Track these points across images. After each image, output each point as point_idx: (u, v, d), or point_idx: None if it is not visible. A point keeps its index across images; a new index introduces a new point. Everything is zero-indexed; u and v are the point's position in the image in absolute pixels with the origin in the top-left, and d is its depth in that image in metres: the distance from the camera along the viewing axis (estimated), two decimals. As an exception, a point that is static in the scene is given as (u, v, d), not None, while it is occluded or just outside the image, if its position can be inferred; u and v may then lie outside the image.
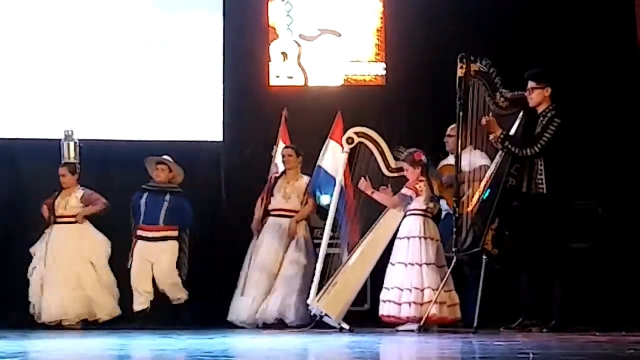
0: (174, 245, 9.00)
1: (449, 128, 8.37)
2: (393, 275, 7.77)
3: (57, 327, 8.73)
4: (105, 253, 9.00)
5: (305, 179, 8.82)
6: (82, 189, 9.11)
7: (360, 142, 8.08)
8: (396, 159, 8.05)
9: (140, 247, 8.96)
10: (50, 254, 8.87)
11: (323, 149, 8.51)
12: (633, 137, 9.57)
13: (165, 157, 9.12)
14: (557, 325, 7.39)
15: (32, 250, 9.00)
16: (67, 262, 8.86)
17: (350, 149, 8.09)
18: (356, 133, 8.10)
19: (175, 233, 9.03)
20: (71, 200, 9.04)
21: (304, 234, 8.78)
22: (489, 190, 7.65)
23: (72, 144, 9.15)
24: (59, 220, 8.99)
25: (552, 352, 5.48)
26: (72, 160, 9.14)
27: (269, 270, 8.65)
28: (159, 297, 8.97)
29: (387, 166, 8.03)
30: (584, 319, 7.76)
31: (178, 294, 8.94)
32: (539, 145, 7.47)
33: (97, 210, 9.05)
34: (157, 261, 8.95)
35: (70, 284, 8.82)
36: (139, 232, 9.00)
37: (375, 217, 8.08)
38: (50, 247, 8.89)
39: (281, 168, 8.96)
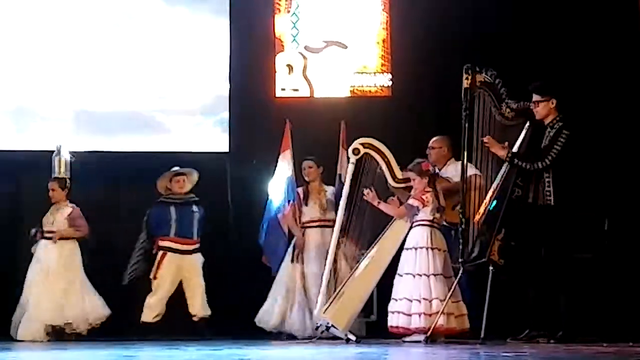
0: (200, 257, 9.07)
1: (432, 140, 8.39)
2: (401, 286, 7.76)
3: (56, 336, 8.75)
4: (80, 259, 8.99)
5: (331, 189, 8.84)
6: (72, 206, 9.09)
7: (366, 153, 8.09)
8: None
9: (172, 259, 8.94)
10: (37, 268, 8.88)
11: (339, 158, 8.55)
12: (638, 148, 9.56)
13: (177, 168, 9.11)
14: (564, 336, 7.38)
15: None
16: (55, 276, 8.86)
17: (357, 160, 8.10)
18: (362, 144, 8.10)
19: (199, 245, 9.09)
20: (57, 216, 9.04)
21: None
22: (495, 201, 7.65)
23: (62, 159, 9.16)
24: (46, 235, 8.98)
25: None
26: (62, 175, 9.15)
27: (316, 286, 8.51)
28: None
29: (394, 177, 8.02)
30: (591, 330, 7.74)
31: (206, 310, 8.95)
32: (549, 158, 7.48)
33: (75, 236, 9.02)
34: (192, 275, 8.96)
35: (58, 295, 8.82)
36: (170, 245, 8.96)
37: (382, 228, 8.09)
38: (38, 263, 8.90)
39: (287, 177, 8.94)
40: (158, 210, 9.05)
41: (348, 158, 8.15)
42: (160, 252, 8.96)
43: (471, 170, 7.88)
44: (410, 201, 7.90)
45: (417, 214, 7.85)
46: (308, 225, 8.82)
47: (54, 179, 9.12)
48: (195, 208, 9.07)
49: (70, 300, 8.84)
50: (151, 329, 8.82)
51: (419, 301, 7.64)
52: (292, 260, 8.77)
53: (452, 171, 8.09)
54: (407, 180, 7.98)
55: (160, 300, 8.92)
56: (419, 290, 7.67)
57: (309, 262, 8.71)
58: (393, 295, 7.78)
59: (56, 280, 8.86)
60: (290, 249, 8.83)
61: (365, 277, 7.97)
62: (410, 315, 7.63)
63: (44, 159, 9.33)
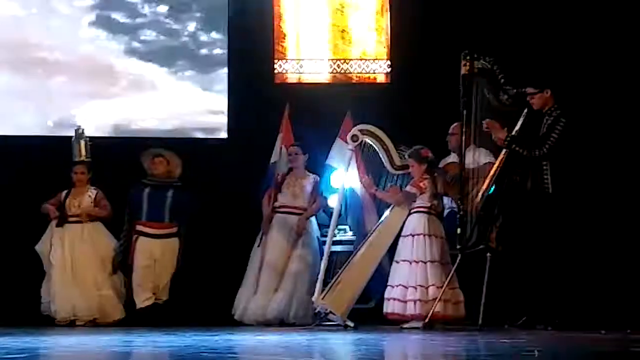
0: (175, 242, 8.97)
1: (452, 127, 8.38)
2: (398, 273, 7.77)
3: (67, 325, 8.70)
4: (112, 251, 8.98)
5: (312, 176, 8.84)
6: (95, 188, 9.08)
7: (365, 140, 8.08)
8: (400, 157, 8.06)
9: (143, 243, 8.89)
10: (64, 253, 8.82)
11: (332, 147, 8.52)
12: (637, 135, 9.55)
13: (161, 149, 9.06)
14: (562, 324, 7.39)
15: (37, 248, 8.97)
16: (82, 261, 8.84)
17: (355, 147, 8.09)
18: (361, 130, 8.10)
19: (176, 230, 9.01)
20: (84, 200, 9.00)
21: (310, 231, 8.79)
22: (493, 187, 7.65)
23: (82, 142, 9.11)
24: (71, 219, 8.93)
25: (557, 350, 5.48)
26: (85, 158, 9.08)
27: (277, 267, 8.65)
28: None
29: (392, 164, 8.02)
30: (589, 317, 7.75)
31: (165, 294, 8.91)
32: (547, 146, 7.48)
33: (101, 215, 9.01)
34: (160, 259, 8.89)
35: (86, 284, 8.80)
36: (141, 228, 8.91)
37: (380, 215, 8.09)
38: (64, 247, 8.85)
39: (281, 165, 8.96)
40: (135, 190, 9.00)
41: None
42: (135, 236, 8.92)
43: (486, 158, 7.87)
44: (408, 188, 7.91)
45: (414, 201, 7.86)
46: (277, 210, 8.83)
47: (81, 163, 9.05)
48: (169, 193, 8.97)
49: (93, 294, 8.79)
50: (141, 314, 8.76)
51: (415, 288, 7.65)
52: (258, 245, 8.81)
53: (470, 157, 8.02)
54: (406, 166, 7.98)
55: (140, 285, 8.80)
56: (415, 277, 7.68)
57: (268, 247, 8.73)
58: (389, 282, 7.79)
59: (81, 267, 8.82)
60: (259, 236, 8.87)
61: (363, 264, 7.98)
62: (405, 302, 7.64)
63: (56, 143, 9.33)
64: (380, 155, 8.03)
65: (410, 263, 7.74)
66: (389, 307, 7.74)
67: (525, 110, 7.69)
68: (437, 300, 7.54)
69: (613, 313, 8.22)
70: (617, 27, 9.66)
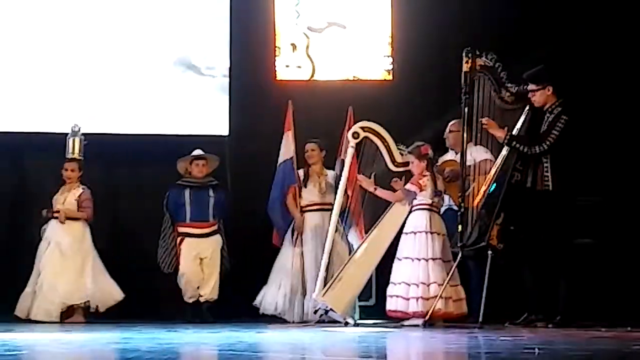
0: (219, 239, 9.01)
1: (450, 124, 8.39)
2: (400, 271, 7.77)
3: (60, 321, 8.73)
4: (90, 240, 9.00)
5: (331, 172, 8.82)
6: (83, 187, 9.08)
7: (366, 137, 8.08)
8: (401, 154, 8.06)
9: (190, 244, 8.91)
10: (50, 249, 8.87)
11: (343, 143, 8.51)
12: (638, 132, 9.54)
13: (199, 151, 9.09)
14: (563, 321, 7.39)
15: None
16: (69, 255, 8.86)
17: (356, 144, 8.09)
18: (362, 127, 8.09)
19: (217, 227, 9.03)
20: (69, 196, 9.01)
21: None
22: (494, 184, 7.65)
23: (77, 140, 9.12)
24: (54, 215, 8.96)
25: (557, 348, 5.48)
26: (77, 156, 9.10)
27: (315, 268, 8.51)
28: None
29: (393, 161, 8.02)
30: (589, 315, 7.76)
31: (213, 294, 8.91)
32: (547, 143, 7.47)
33: (80, 217, 8.99)
34: (208, 256, 8.91)
35: (73, 275, 8.82)
36: (186, 230, 8.92)
37: (381, 212, 8.09)
38: (50, 242, 8.89)
39: (285, 156, 8.92)
40: (174, 193, 9.01)
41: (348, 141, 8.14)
42: (179, 238, 8.94)
43: (484, 155, 7.87)
44: (407, 186, 7.91)
45: (415, 199, 7.86)
46: (307, 209, 8.80)
47: (72, 160, 9.06)
48: (211, 192, 9.03)
49: (85, 281, 8.82)
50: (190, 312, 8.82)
51: (417, 285, 7.65)
52: (294, 245, 8.76)
53: (467, 154, 8.02)
54: (407, 164, 7.98)
55: (188, 284, 8.84)
56: (417, 274, 7.68)
57: (307, 245, 8.70)
58: (392, 279, 7.79)
59: (69, 259, 8.85)
60: (289, 233, 8.82)
61: (364, 261, 7.98)
62: (408, 299, 7.65)
63: (50, 140, 9.30)
64: (382, 152, 8.03)
65: (413, 260, 7.74)
66: (392, 305, 7.74)
67: (527, 108, 7.69)
68: (438, 297, 7.54)
69: (614, 310, 8.23)
70: (618, 24, 9.64)
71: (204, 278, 8.89)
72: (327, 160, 8.92)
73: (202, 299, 8.89)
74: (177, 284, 8.88)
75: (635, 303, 8.40)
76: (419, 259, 7.73)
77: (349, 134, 8.10)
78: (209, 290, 8.87)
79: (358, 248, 8.04)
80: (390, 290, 7.78)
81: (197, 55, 10.01)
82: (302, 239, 8.74)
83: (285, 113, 9.02)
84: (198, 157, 9.05)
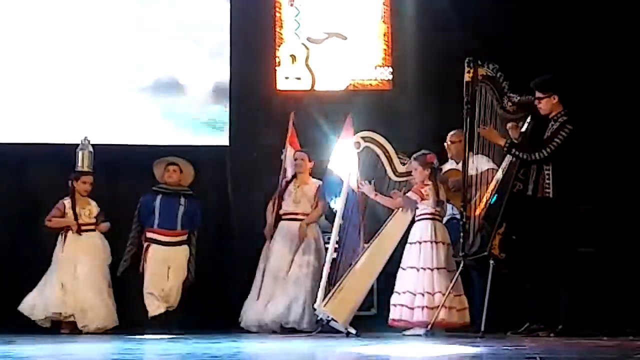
0: (186, 250, 9.00)
1: (450, 134, 8.39)
2: (405, 280, 7.77)
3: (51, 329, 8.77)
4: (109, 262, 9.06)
5: (315, 182, 8.85)
6: (91, 200, 9.12)
7: (367, 147, 8.08)
8: (402, 164, 8.07)
9: (155, 251, 8.90)
10: (73, 260, 8.86)
11: (333, 152, 8.51)
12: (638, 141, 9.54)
13: (175, 158, 9.10)
14: (564, 330, 7.38)
15: (56, 254, 8.97)
16: (92, 269, 8.87)
17: (358, 154, 8.09)
18: (363, 137, 8.10)
19: (186, 237, 9.02)
20: (92, 209, 9.05)
21: (314, 237, 8.79)
22: (496, 195, 7.65)
23: (87, 153, 9.08)
24: (83, 227, 8.96)
25: (559, 357, 5.47)
26: (88, 169, 9.08)
27: (278, 274, 8.67)
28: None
29: (394, 170, 8.03)
30: (591, 324, 7.75)
31: (175, 301, 8.90)
32: (548, 150, 7.46)
33: (107, 229, 9.09)
34: (172, 266, 8.90)
35: (96, 289, 8.82)
36: (153, 236, 8.93)
37: (382, 221, 8.08)
38: (81, 254, 8.89)
39: (290, 172, 8.98)
40: (147, 198, 9.03)
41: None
42: (145, 244, 8.94)
43: (487, 165, 7.86)
44: (409, 194, 7.91)
45: (417, 208, 7.86)
46: (282, 217, 8.87)
47: (88, 173, 9.05)
48: (182, 200, 8.99)
49: (103, 300, 8.85)
50: (154, 322, 8.76)
51: (422, 295, 7.65)
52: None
53: (471, 164, 8.04)
54: (408, 173, 7.99)
55: (153, 293, 8.81)
56: (422, 283, 7.68)
57: (271, 254, 8.76)
58: (396, 288, 7.79)
59: (92, 272, 8.86)
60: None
61: (365, 270, 7.96)
62: (413, 308, 7.64)
63: (50, 151, 9.33)
64: (382, 162, 8.03)
65: (418, 270, 7.75)
66: (396, 314, 7.73)
67: (530, 117, 7.69)
68: (440, 306, 7.54)
69: (616, 319, 8.21)
70: (622, 33, 9.64)
71: (168, 284, 8.85)
72: (323, 169, 8.89)
73: (164, 307, 8.84)
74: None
75: (637, 311, 8.38)
76: (425, 269, 7.73)
77: (351, 144, 8.09)
78: (172, 300, 8.87)
79: (359, 258, 8.03)
80: (395, 299, 7.77)
81: (197, 62, 10.01)
82: (269, 246, 8.82)
83: (286, 124, 9.04)
84: (171, 163, 9.04)
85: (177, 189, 9.03)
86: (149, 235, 8.95)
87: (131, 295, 8.97)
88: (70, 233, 8.94)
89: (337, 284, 7.95)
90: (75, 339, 7.96)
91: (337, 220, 8.09)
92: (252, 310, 8.65)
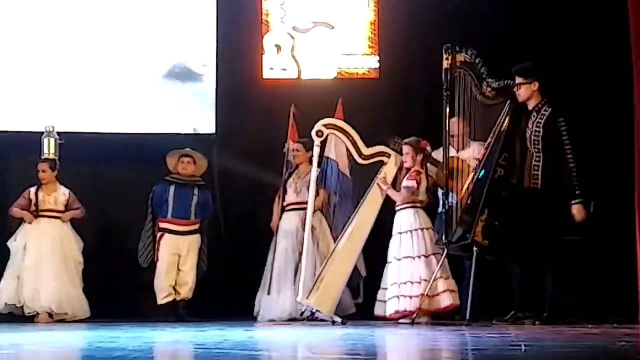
0: (199, 238, 9.05)
1: (451, 122, 8.33)
2: (402, 270, 7.77)
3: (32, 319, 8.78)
4: (80, 253, 9.07)
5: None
6: (63, 187, 9.12)
7: (330, 134, 8.08)
8: (393, 149, 8.07)
9: (169, 240, 8.95)
10: (33, 246, 8.89)
11: (328, 140, 8.50)
12: (623, 131, 9.52)
13: (188, 149, 9.12)
14: (550, 318, 7.39)
15: (10, 244, 9.00)
16: (52, 255, 8.89)
17: (321, 142, 8.08)
18: (325, 125, 8.09)
19: (198, 226, 9.07)
20: (59, 196, 9.06)
21: (318, 225, 8.74)
22: (483, 170, 7.62)
23: (52, 140, 9.13)
24: (43, 214, 8.98)
25: (544, 345, 5.48)
26: (51, 156, 9.13)
27: (286, 266, 8.65)
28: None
29: (360, 154, 8.02)
30: (576, 312, 7.76)
31: (190, 292, 8.95)
32: (569, 156, 7.47)
33: (78, 216, 9.10)
34: (185, 255, 8.96)
35: (56, 277, 8.85)
36: (167, 225, 8.99)
37: (354, 208, 8.11)
38: (34, 240, 8.92)
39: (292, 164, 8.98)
40: (160, 188, 9.09)
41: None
42: (159, 234, 8.98)
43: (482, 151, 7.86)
44: (406, 183, 7.92)
45: (416, 193, 7.88)
46: (286, 208, 8.87)
47: (44, 160, 9.10)
48: (196, 191, 9.06)
49: (63, 288, 8.85)
50: (161, 310, 8.85)
51: (419, 282, 7.67)
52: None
53: (469, 152, 8.03)
54: (375, 155, 7.99)
55: (164, 282, 8.88)
56: (411, 272, 7.72)
57: (279, 245, 8.77)
58: (395, 280, 7.77)
59: (51, 261, 8.87)
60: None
61: (343, 257, 7.95)
62: (416, 296, 7.67)
63: (28, 140, 9.29)
64: (347, 147, 8.03)
65: (413, 258, 7.78)
66: (399, 306, 7.72)
67: (508, 102, 7.67)
68: (425, 291, 7.57)
69: (601, 307, 8.23)
70: (602, 22, 9.62)
71: (179, 275, 8.92)
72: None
73: (178, 297, 8.91)
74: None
75: (622, 299, 8.40)
76: (420, 257, 7.76)
77: (313, 133, 8.05)
78: (187, 289, 8.91)
79: (337, 243, 8.01)
80: (395, 291, 7.77)
81: (183, 53, 9.98)
82: (275, 241, 8.82)
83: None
84: (185, 155, 9.06)
85: (191, 179, 9.08)
86: (162, 225, 9.01)
87: (140, 284, 9.05)
88: (25, 222, 8.97)
89: (318, 275, 7.94)
90: (37, 328, 7.98)
91: (310, 212, 8.01)
92: (266, 304, 8.66)
